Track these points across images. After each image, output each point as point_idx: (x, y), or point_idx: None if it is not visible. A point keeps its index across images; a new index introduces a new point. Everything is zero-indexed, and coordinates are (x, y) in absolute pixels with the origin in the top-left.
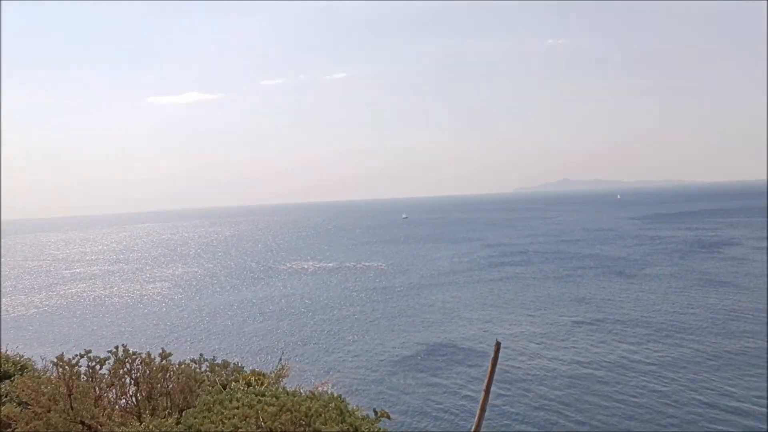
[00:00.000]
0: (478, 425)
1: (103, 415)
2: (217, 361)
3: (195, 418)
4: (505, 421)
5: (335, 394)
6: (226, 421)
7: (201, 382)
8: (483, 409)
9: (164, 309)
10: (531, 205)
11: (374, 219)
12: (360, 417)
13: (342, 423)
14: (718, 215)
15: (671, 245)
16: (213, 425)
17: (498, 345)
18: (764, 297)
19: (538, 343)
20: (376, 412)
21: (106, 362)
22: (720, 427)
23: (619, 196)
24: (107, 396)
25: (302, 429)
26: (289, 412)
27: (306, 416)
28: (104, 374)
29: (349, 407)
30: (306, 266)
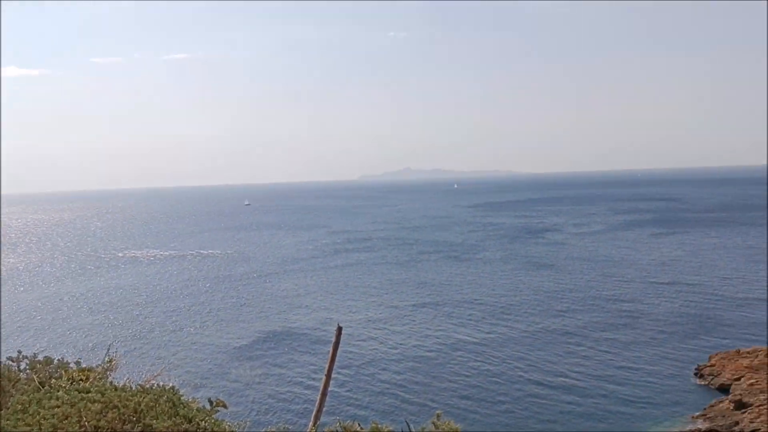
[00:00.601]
0: (319, 410)
1: None
2: (38, 358)
3: (8, 420)
4: (348, 407)
5: (167, 386)
6: (43, 421)
7: (16, 381)
8: (324, 394)
9: None
10: (375, 193)
11: (215, 206)
12: (195, 409)
13: (175, 416)
14: (543, 204)
15: (502, 231)
16: (29, 427)
17: (339, 329)
18: (581, 278)
19: (380, 328)
20: (211, 402)
21: None
22: (544, 401)
23: (456, 185)
24: None
25: (131, 426)
26: (116, 409)
27: (135, 412)
28: None
29: (183, 399)
30: (140, 255)
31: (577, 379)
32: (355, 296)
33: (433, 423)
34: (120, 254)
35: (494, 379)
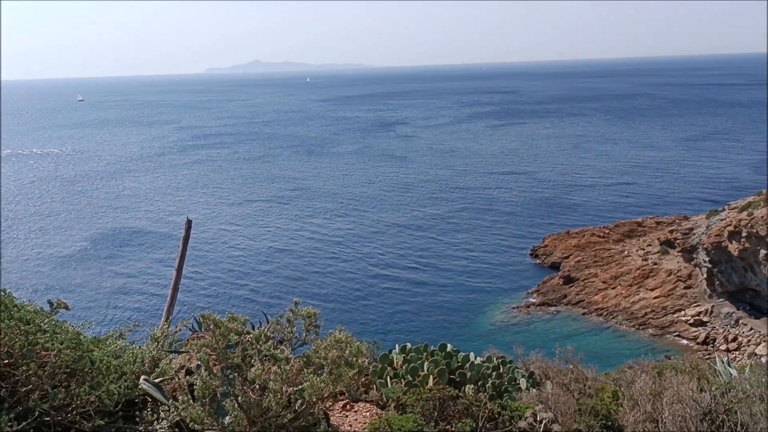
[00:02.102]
0: (171, 305)
1: None
2: None
3: None
4: (200, 302)
5: None
6: None
7: None
8: (175, 289)
9: None
10: (223, 87)
11: (45, 101)
12: (32, 310)
13: (9, 319)
14: (394, 97)
15: (356, 125)
16: None
17: (189, 222)
18: (429, 170)
19: (233, 223)
20: (51, 304)
21: None
22: (395, 290)
23: (309, 79)
24: None
25: None
26: None
27: None
28: None
29: (18, 302)
30: None
31: (426, 266)
32: (206, 193)
33: (291, 311)
34: None
35: (349, 273)
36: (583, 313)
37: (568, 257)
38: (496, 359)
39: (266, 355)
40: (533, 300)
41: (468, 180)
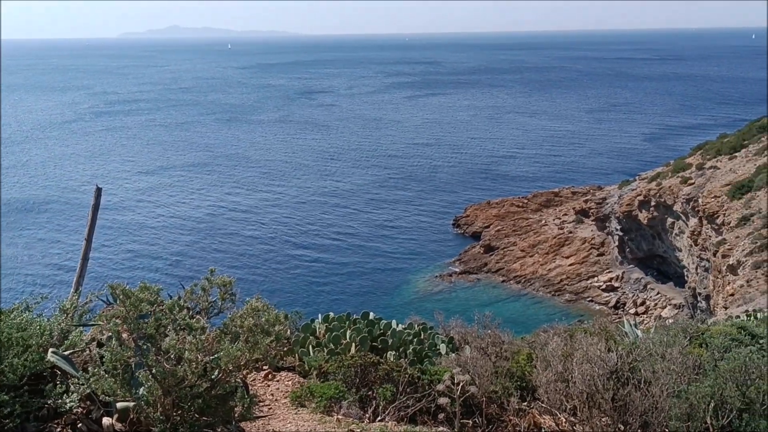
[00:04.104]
0: (81, 275)
1: None
2: None
3: None
4: (114, 274)
5: None
6: None
7: None
8: (85, 259)
9: None
10: (140, 53)
11: None
12: None
13: None
14: (318, 66)
15: (277, 93)
16: None
17: (98, 190)
18: (352, 139)
19: (149, 193)
20: None
21: None
22: (318, 264)
23: (230, 46)
24: None
25: None
26: None
27: None
28: None
29: None
30: None
31: (350, 237)
32: (121, 161)
33: (206, 279)
34: None
35: (271, 244)
36: (503, 281)
37: (488, 227)
38: (418, 326)
39: (181, 325)
40: (455, 269)
41: (391, 150)
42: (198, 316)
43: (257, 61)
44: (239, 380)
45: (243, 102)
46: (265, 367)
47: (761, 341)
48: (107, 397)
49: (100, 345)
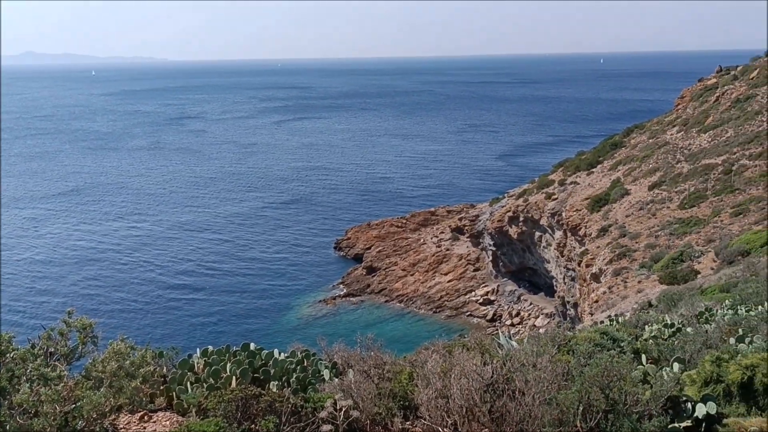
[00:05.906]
0: None
1: None
2: None
3: None
4: None
5: None
6: None
7: None
8: None
9: None
10: None
11: None
12: None
13: None
14: (189, 91)
15: (148, 119)
16: None
17: None
18: (226, 165)
19: (7, 227)
20: None
21: None
22: (199, 291)
23: (93, 72)
24: None
25: None
26: None
27: None
28: None
29: None
30: None
31: (230, 267)
32: None
33: (64, 322)
34: None
35: (146, 279)
36: (386, 301)
37: (370, 248)
38: (300, 353)
39: (35, 375)
40: (339, 292)
41: (268, 175)
42: (56, 363)
43: (123, 88)
44: (106, 427)
45: (111, 129)
46: (139, 409)
47: (622, 344)
48: None
49: None
